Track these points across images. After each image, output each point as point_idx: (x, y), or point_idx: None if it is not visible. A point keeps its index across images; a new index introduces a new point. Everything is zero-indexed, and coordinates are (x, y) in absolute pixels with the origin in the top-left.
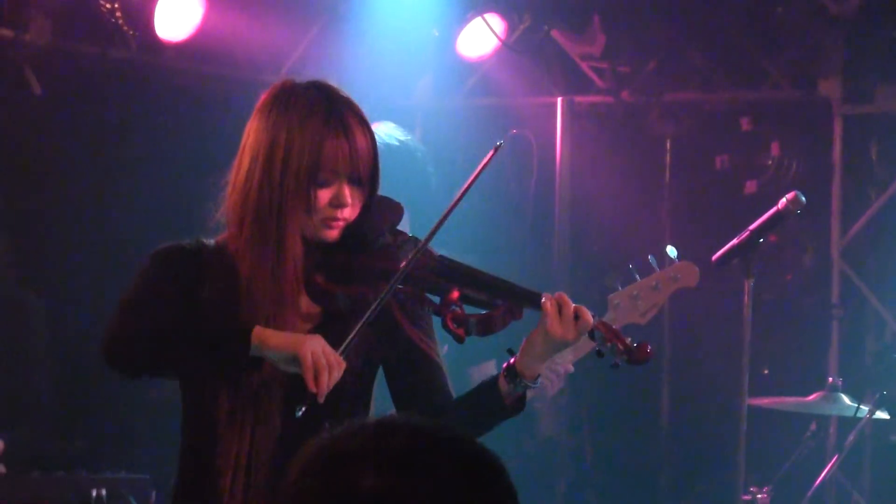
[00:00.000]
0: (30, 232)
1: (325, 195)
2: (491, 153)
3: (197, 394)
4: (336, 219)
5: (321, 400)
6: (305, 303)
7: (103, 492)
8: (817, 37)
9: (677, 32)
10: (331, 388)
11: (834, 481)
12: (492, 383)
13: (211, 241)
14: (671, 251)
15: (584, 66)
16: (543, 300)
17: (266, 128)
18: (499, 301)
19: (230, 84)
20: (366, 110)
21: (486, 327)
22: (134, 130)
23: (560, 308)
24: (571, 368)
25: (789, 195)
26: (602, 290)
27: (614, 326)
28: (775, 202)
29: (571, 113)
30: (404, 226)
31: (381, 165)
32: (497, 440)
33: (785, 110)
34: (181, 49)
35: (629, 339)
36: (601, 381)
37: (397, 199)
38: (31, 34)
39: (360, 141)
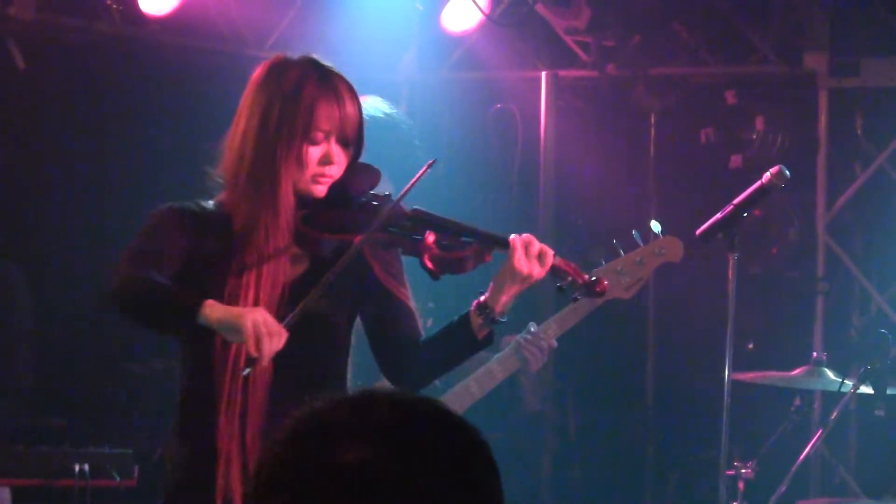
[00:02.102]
0: (12, 205)
1: (315, 153)
2: (424, 169)
3: (194, 343)
4: (324, 175)
5: (265, 363)
6: (295, 251)
7: (86, 466)
8: (802, 11)
9: (662, 6)
10: (273, 354)
11: (819, 456)
12: (464, 319)
13: (209, 203)
14: (655, 226)
15: (568, 39)
16: (511, 238)
17: (262, 94)
18: (470, 243)
19: (214, 58)
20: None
21: (459, 266)
22: (118, 104)
23: (526, 247)
24: (555, 343)
25: (774, 169)
26: (586, 265)
27: (573, 264)
28: (760, 176)
29: (556, 87)
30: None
31: (367, 138)
32: (482, 414)
33: (770, 84)
34: (165, 23)
35: (587, 276)
36: (586, 356)
37: (384, 171)
38: (15, 8)
39: (349, 106)
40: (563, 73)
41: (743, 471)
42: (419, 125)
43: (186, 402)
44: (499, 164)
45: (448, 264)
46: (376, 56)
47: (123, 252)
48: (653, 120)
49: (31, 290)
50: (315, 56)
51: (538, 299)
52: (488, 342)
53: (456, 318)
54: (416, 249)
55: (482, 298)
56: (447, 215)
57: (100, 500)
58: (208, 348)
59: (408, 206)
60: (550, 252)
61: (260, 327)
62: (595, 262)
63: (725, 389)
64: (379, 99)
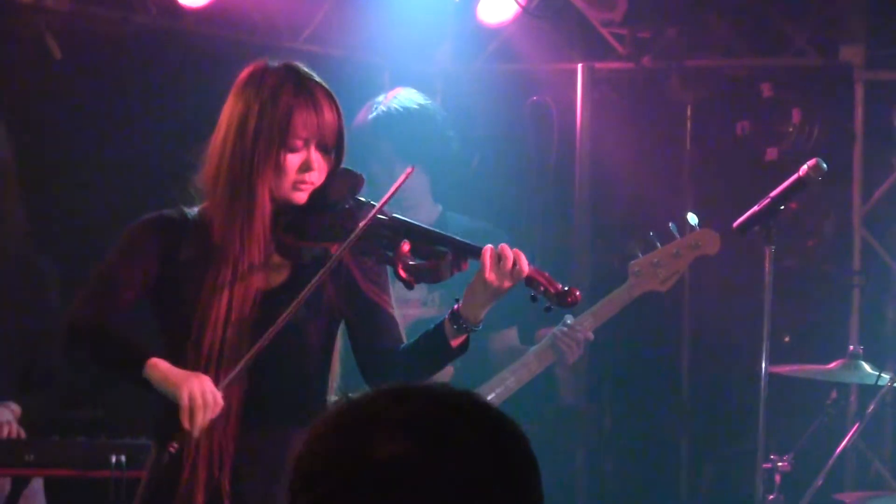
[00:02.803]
0: (46, 198)
1: (294, 160)
2: (403, 177)
3: (172, 347)
4: (304, 182)
5: (195, 436)
6: (277, 258)
7: (122, 457)
8: (839, 3)
9: None
10: (205, 426)
11: (855, 449)
12: (439, 327)
13: (193, 209)
14: (692, 218)
15: (604, 32)
16: (483, 249)
17: (241, 101)
18: (445, 252)
19: (250, 50)
20: (386, 76)
21: (433, 276)
22: (154, 96)
23: (497, 258)
24: (592, 336)
25: (810, 162)
26: (623, 258)
27: (546, 273)
28: (796, 169)
29: (592, 79)
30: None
31: (401, 129)
32: (516, 407)
33: (806, 76)
34: (201, 14)
35: (560, 285)
36: (622, 349)
37: (418, 163)
38: (51, 0)
39: (327, 113)
40: (598, 65)
41: (779, 464)
42: (454, 117)
43: (165, 409)
44: (534, 157)
45: (423, 274)
46: (412, 48)
47: (86, 282)
48: (688, 112)
49: (65, 283)
50: (295, 63)
51: None
52: (463, 350)
53: (432, 326)
54: (392, 258)
55: (456, 307)
56: (483, 207)
57: (136, 492)
58: (181, 358)
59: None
60: (524, 262)
61: (196, 399)
62: (632, 255)
63: (762, 382)
64: (413, 91)
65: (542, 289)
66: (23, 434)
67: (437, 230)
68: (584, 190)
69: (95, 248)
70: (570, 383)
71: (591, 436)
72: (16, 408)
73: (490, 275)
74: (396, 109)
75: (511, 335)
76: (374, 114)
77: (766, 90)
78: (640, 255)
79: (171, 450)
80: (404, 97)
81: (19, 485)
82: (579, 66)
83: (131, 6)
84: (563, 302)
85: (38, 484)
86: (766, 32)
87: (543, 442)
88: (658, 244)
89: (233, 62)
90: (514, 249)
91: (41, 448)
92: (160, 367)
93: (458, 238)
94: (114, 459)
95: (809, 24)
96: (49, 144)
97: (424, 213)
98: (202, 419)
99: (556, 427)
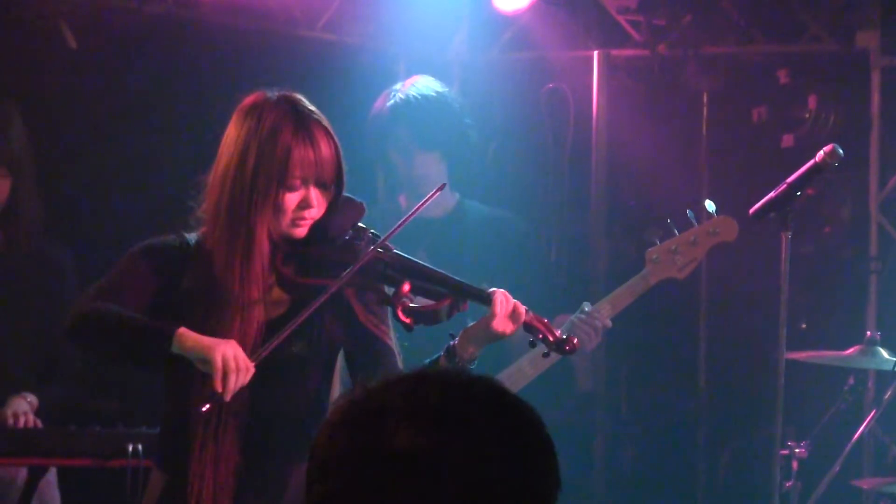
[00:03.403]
0: (61, 189)
1: (293, 198)
2: (408, 216)
3: (176, 377)
4: (304, 219)
5: (227, 399)
6: (276, 292)
7: (139, 446)
8: None
9: None
10: (237, 389)
11: (872, 435)
12: (434, 363)
13: (193, 236)
14: (709, 205)
15: (620, 19)
16: (492, 294)
17: (241, 136)
18: (445, 294)
19: (266, 38)
20: (402, 64)
21: (433, 318)
22: (169, 86)
23: (502, 305)
24: (609, 324)
25: (827, 148)
26: (640, 245)
27: (545, 320)
28: (813, 155)
29: (608, 66)
30: (442, 181)
31: (418, 117)
32: (534, 394)
33: (822, 63)
34: (217, 4)
35: (558, 332)
36: (639, 336)
37: (435, 150)
38: None
39: (325, 149)
40: (615, 52)
41: (797, 450)
42: (470, 105)
43: (165, 434)
44: (551, 145)
45: (422, 317)
46: (427, 36)
47: (87, 290)
48: (705, 99)
49: (82, 274)
50: (294, 97)
51: (591, 280)
52: None
53: (427, 361)
54: (391, 299)
55: (452, 343)
56: (500, 194)
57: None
58: (187, 385)
59: (391, 246)
60: (523, 309)
61: (229, 362)
62: (650, 242)
63: (779, 369)
64: (431, 78)
65: (540, 336)
66: (39, 425)
67: (439, 270)
68: (601, 177)
69: (112, 239)
70: (588, 371)
71: (608, 423)
72: (33, 399)
73: (497, 320)
74: (414, 97)
75: None
76: (392, 101)
77: (783, 77)
78: (658, 242)
79: (203, 409)
80: (422, 85)
81: (36, 474)
82: (595, 53)
83: None
84: (562, 350)
85: (51, 475)
86: (781, 19)
87: (561, 429)
88: (675, 231)
89: (248, 51)
90: (514, 301)
91: (58, 438)
92: (191, 335)
93: (457, 279)
94: (130, 448)
95: (825, 10)
96: (64, 135)
97: (442, 202)
98: (234, 382)
99: (573, 414)
